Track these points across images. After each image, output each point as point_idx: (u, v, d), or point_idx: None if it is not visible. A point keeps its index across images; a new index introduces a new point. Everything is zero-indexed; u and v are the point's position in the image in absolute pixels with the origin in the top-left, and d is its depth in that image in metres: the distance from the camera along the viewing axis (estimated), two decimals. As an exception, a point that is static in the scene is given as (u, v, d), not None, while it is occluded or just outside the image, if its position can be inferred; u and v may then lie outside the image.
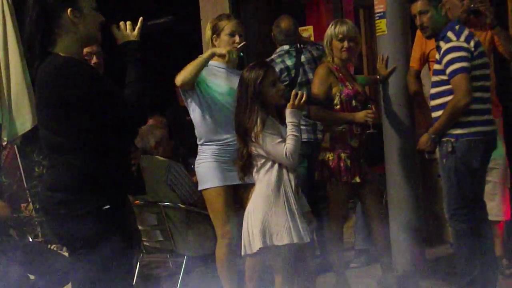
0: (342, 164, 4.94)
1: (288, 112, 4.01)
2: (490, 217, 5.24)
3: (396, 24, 5.26)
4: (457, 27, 4.66)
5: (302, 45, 6.02)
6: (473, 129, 4.60)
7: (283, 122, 4.08)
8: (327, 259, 5.39)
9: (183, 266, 5.30)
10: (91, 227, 3.11)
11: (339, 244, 5.05)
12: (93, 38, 3.33)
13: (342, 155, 4.96)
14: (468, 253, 4.61)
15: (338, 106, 5.01)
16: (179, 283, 5.31)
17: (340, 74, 5.08)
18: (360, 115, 4.96)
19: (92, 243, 3.13)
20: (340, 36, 5.05)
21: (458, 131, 4.62)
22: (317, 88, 5.02)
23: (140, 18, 3.36)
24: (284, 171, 4.01)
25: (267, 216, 3.96)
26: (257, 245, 3.98)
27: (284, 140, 3.98)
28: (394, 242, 5.35)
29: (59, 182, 3.18)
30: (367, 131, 4.99)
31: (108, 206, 3.13)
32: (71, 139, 3.13)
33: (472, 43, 4.58)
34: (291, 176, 4.01)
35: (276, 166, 4.00)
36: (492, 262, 4.69)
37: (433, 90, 4.75)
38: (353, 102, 5.04)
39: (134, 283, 5.11)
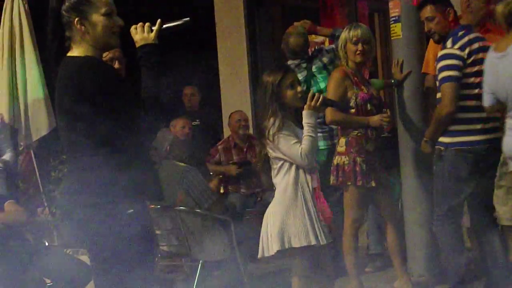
0: (357, 169, 4.93)
1: (304, 113, 4.02)
2: (504, 222, 5.22)
3: (411, 28, 5.27)
4: (461, 32, 4.61)
5: (312, 54, 6.05)
6: (460, 139, 4.58)
7: (301, 125, 4.09)
8: (342, 263, 5.39)
9: (198, 270, 5.30)
10: (114, 231, 3.11)
11: (354, 248, 5.04)
12: (108, 44, 3.32)
13: (358, 159, 4.95)
14: (451, 257, 4.59)
15: (353, 110, 5.00)
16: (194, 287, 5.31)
17: (355, 78, 5.08)
18: (375, 119, 4.96)
19: (115, 247, 3.12)
20: (354, 39, 5.05)
21: (447, 140, 4.62)
22: (332, 91, 5.02)
23: (158, 20, 3.32)
24: (301, 172, 4.01)
25: (285, 218, 3.97)
26: (274, 247, 3.99)
27: (300, 142, 3.99)
28: (409, 246, 5.34)
29: (83, 185, 3.18)
30: (382, 135, 4.99)
31: (131, 211, 3.14)
32: (92, 138, 3.14)
33: (467, 50, 4.54)
34: (309, 178, 4.01)
35: (293, 168, 4.01)
36: (502, 267, 4.65)
37: (438, 95, 4.75)
38: (368, 106, 5.03)
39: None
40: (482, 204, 4.68)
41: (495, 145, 4.55)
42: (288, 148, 3.98)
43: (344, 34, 5.13)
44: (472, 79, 4.57)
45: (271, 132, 3.99)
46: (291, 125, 4.05)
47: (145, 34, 3.29)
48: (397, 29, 5.33)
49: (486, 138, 4.57)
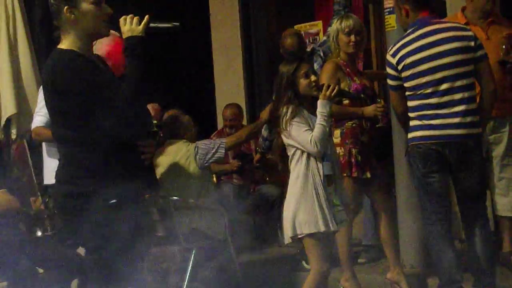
0: (353, 160, 4.94)
1: (319, 102, 4.11)
2: (504, 213, 5.23)
3: (405, 20, 5.24)
4: (409, 30, 4.55)
5: (311, 53, 6.04)
6: (411, 135, 4.60)
7: (315, 113, 4.16)
8: (335, 253, 5.39)
9: (191, 260, 5.30)
10: (98, 221, 3.13)
11: (348, 239, 5.04)
12: (97, 32, 3.37)
13: (353, 150, 4.96)
14: (436, 255, 4.58)
15: (347, 101, 5.00)
16: (187, 277, 5.31)
17: (347, 69, 5.08)
18: (370, 109, 4.97)
19: (100, 237, 3.15)
20: (347, 30, 5.06)
21: (408, 136, 4.64)
22: (325, 83, 5.01)
23: (146, 16, 3.37)
24: (312, 160, 4.08)
25: (298, 205, 4.04)
26: (288, 234, 4.08)
27: (312, 130, 4.04)
28: (402, 238, 5.35)
29: (67, 175, 3.20)
30: (377, 125, 4.99)
31: (114, 201, 3.14)
32: (75, 131, 3.16)
33: (398, 56, 4.51)
34: (320, 166, 4.05)
35: (304, 156, 4.09)
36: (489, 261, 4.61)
37: None
38: (362, 96, 5.03)
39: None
40: (464, 198, 4.63)
41: (451, 140, 4.46)
42: (299, 135, 4.06)
43: (335, 25, 5.14)
44: (408, 83, 4.53)
45: (284, 120, 4.08)
46: (304, 114, 4.14)
47: (133, 26, 3.33)
48: (391, 21, 5.32)
49: (434, 134, 4.49)
